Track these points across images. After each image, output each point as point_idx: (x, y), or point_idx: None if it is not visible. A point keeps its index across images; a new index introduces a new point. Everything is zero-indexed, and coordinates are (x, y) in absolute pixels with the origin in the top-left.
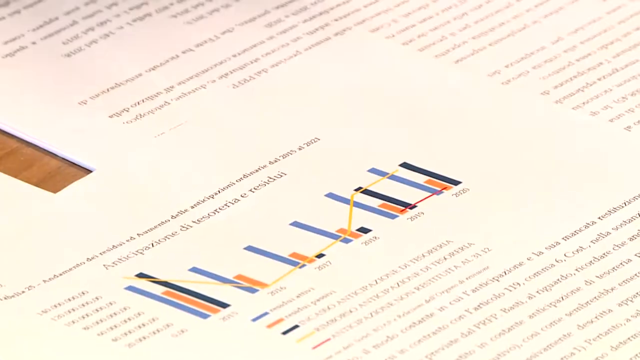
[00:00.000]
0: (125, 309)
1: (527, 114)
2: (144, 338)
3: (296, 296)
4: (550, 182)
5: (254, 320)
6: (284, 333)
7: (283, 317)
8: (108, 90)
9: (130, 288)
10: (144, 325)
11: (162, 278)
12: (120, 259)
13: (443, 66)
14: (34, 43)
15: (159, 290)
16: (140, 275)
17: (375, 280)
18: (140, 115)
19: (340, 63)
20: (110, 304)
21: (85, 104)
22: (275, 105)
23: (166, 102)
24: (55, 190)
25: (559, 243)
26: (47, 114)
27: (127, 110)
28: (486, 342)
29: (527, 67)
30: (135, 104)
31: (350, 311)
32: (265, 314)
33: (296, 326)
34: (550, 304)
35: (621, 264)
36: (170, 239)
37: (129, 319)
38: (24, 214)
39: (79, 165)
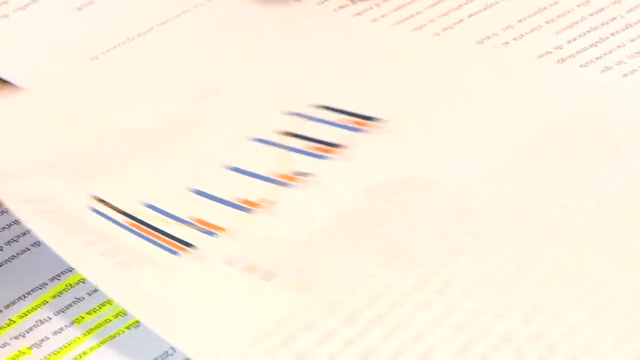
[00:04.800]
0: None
1: (540, 68)
2: (127, 264)
3: (257, 241)
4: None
5: (225, 263)
6: (259, 278)
7: (253, 262)
8: (119, 45)
9: (95, 211)
10: (120, 248)
11: (121, 207)
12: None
13: (449, 26)
14: None
15: (122, 219)
16: (100, 200)
17: (334, 219)
18: None
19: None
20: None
21: (96, 59)
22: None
23: None
24: None
25: None
26: (58, 68)
27: None
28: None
29: (540, 22)
30: None
31: (318, 254)
32: (234, 258)
33: (269, 271)
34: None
35: None
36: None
37: (102, 240)
38: None
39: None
